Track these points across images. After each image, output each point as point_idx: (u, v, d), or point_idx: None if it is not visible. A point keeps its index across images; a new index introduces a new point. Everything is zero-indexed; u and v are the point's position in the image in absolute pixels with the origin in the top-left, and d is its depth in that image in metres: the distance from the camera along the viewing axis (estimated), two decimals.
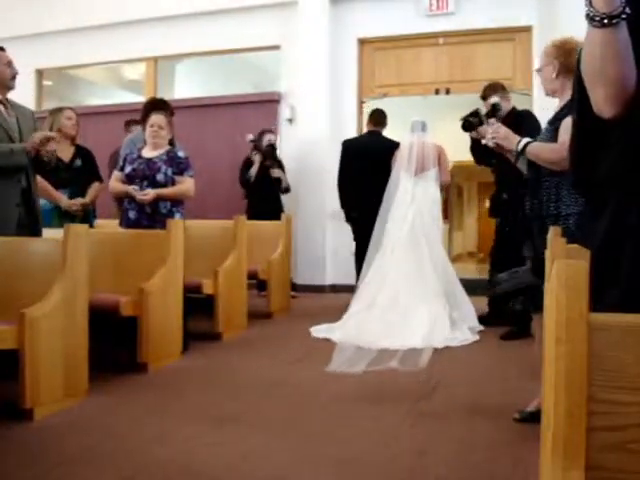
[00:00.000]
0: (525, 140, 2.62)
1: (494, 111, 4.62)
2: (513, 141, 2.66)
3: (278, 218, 5.89)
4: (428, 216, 4.80)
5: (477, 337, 4.33)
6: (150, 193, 3.89)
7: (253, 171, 6.32)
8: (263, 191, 6.30)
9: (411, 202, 4.80)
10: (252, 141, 6.37)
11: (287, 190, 6.44)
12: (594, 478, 0.97)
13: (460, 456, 2.25)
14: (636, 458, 0.97)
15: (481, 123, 4.64)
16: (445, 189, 5.24)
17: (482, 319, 4.69)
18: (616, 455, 0.98)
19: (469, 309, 4.69)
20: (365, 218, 5.18)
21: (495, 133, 2.71)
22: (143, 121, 4.50)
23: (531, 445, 2.18)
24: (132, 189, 3.92)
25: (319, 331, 4.50)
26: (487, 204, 6.47)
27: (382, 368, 3.50)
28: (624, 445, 0.97)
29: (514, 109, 4.57)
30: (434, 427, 2.56)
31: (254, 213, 6.03)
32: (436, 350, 3.94)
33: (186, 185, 4.03)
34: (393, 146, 5.32)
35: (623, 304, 1.18)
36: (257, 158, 6.32)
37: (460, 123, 4.47)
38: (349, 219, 5.72)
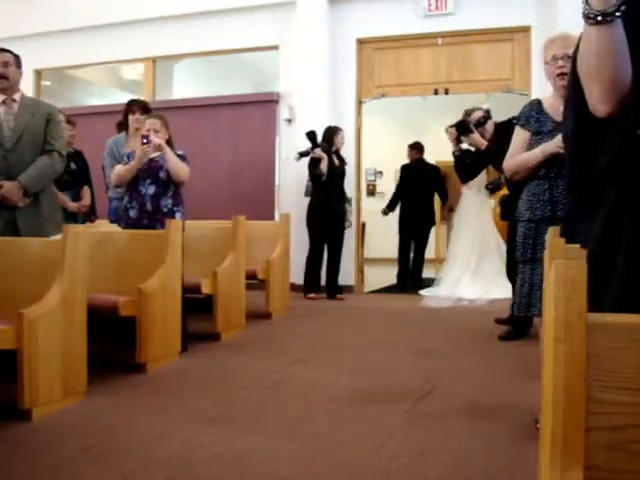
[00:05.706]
0: None
1: (485, 118, 4.77)
2: None
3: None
4: (487, 219, 6.58)
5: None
6: (157, 142, 3.89)
7: (324, 166, 6.21)
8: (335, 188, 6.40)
9: (478, 209, 6.52)
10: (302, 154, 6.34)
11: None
12: (593, 478, 0.97)
13: (459, 457, 2.25)
14: (635, 458, 0.97)
15: (471, 131, 4.82)
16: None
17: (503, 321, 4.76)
18: (615, 455, 0.97)
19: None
20: (419, 220, 7.30)
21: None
22: (124, 124, 4.61)
23: (530, 445, 2.18)
24: (141, 149, 3.90)
25: (425, 292, 6.64)
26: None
27: (458, 305, 5.93)
28: (623, 445, 0.97)
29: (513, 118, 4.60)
30: (433, 428, 2.56)
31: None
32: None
33: (183, 164, 4.02)
34: (435, 169, 7.42)
35: (620, 304, 1.18)
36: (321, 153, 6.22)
37: (451, 130, 4.71)
38: (405, 221, 7.33)
